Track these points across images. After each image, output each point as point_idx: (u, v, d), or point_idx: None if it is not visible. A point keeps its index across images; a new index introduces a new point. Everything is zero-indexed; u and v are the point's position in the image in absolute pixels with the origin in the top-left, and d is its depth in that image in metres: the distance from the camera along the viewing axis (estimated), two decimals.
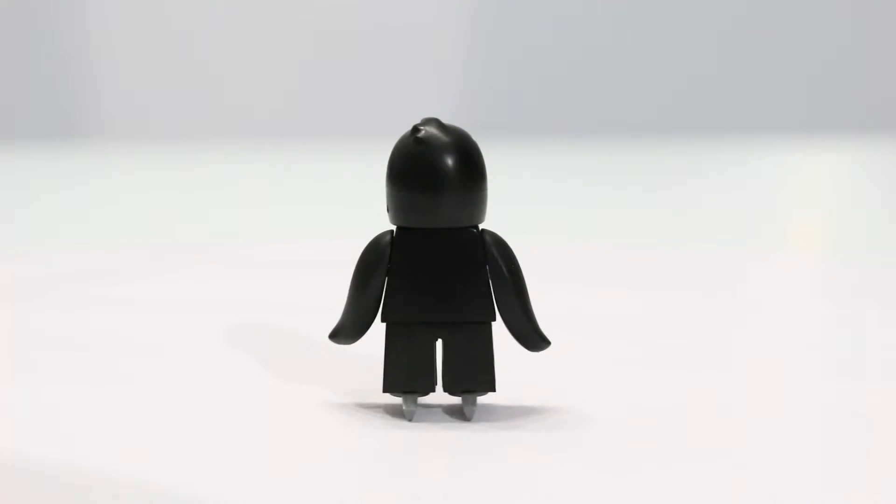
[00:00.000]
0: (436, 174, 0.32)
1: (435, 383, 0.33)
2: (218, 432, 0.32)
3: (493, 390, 0.32)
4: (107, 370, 0.38)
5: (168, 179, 1.07)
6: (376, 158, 0.39)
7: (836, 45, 1.30)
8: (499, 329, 0.33)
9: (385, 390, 0.33)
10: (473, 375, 0.32)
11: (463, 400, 0.33)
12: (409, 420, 0.33)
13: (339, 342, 0.33)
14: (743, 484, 0.28)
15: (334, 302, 0.37)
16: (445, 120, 0.33)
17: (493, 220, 0.34)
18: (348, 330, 0.33)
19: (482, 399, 0.33)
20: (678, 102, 1.30)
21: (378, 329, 0.33)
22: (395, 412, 0.33)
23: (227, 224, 0.79)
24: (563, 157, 1.19)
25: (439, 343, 0.33)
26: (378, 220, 0.35)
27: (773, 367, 0.39)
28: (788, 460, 0.30)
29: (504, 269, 0.32)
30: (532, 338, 0.33)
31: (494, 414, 0.33)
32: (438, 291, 0.32)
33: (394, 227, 0.33)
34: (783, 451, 0.30)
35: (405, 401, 0.33)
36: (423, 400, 0.33)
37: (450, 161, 0.32)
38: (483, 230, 0.33)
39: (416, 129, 0.32)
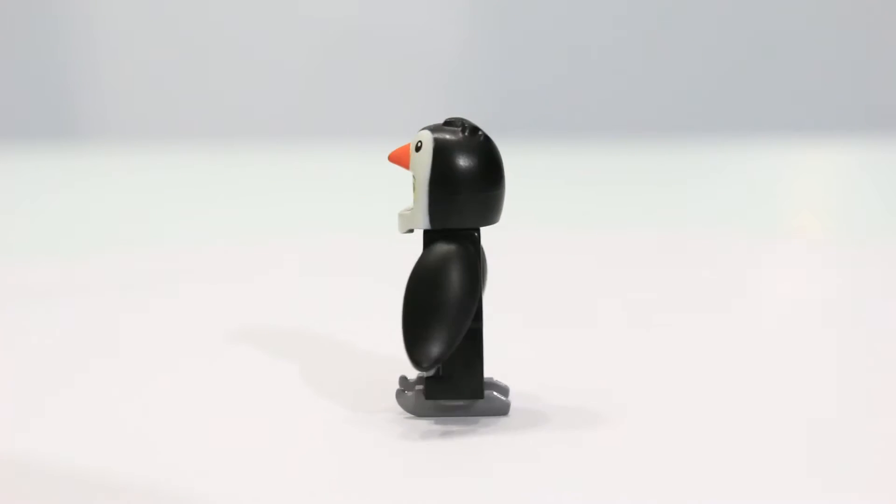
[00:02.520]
0: (502, 171, 0.32)
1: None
2: (231, 434, 0.32)
3: (481, 397, 0.32)
4: (107, 371, 0.38)
5: (168, 179, 1.07)
6: (376, 158, 0.39)
7: (835, 46, 1.30)
8: (499, 328, 0.33)
9: (481, 396, 0.32)
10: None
11: (498, 393, 0.33)
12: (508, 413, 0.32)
13: (429, 370, 0.31)
14: (746, 484, 0.28)
15: (333, 304, 0.37)
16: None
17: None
18: (450, 349, 0.30)
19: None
20: (678, 102, 1.30)
21: (382, 329, 0.33)
22: (402, 413, 0.33)
23: (228, 224, 0.78)
24: (564, 157, 1.19)
25: None
26: (377, 221, 0.35)
27: (775, 368, 0.39)
28: (791, 461, 0.30)
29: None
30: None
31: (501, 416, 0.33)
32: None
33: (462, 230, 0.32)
34: (785, 452, 0.30)
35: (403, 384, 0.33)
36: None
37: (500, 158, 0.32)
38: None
39: (475, 129, 0.32)
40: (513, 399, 0.34)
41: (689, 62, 1.31)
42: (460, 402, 0.32)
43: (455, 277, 0.31)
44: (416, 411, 0.33)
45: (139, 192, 0.97)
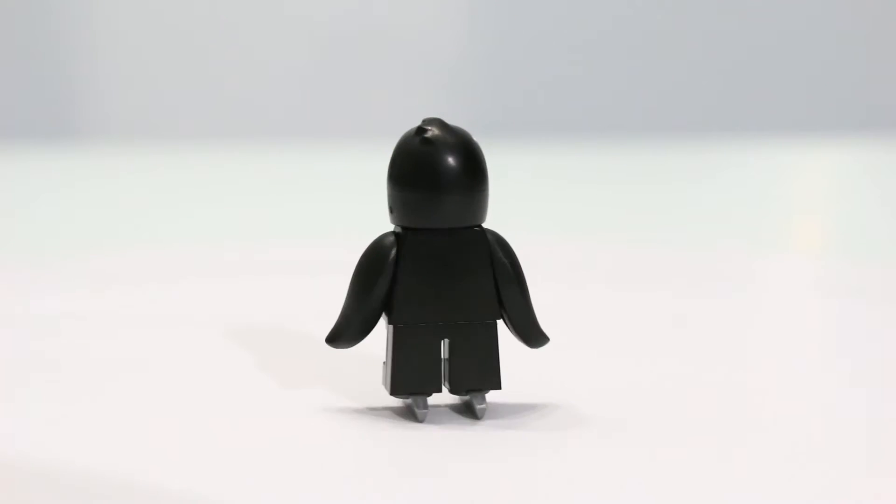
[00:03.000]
0: (443, 174, 0.32)
1: (441, 383, 0.33)
2: (226, 438, 0.32)
3: (499, 388, 0.33)
4: (108, 371, 0.38)
5: (168, 179, 1.07)
6: (376, 158, 0.39)
7: (835, 46, 1.30)
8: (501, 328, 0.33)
9: (393, 393, 0.33)
10: (479, 374, 0.33)
11: (473, 399, 0.33)
12: (421, 421, 0.33)
13: (338, 346, 0.33)
14: (748, 484, 0.28)
15: (333, 304, 0.37)
16: (445, 120, 0.33)
17: (492, 219, 0.34)
18: (350, 333, 0.33)
19: (489, 397, 0.34)
20: (678, 102, 1.30)
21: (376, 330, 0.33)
22: (402, 413, 0.33)
23: (228, 224, 0.78)
24: (563, 157, 1.19)
25: (444, 342, 0.33)
26: (377, 221, 0.35)
27: (776, 368, 0.39)
28: (793, 462, 0.30)
29: (509, 267, 0.33)
30: (535, 334, 0.33)
31: (501, 413, 0.33)
32: (446, 291, 0.32)
33: (396, 229, 0.33)
34: (787, 453, 0.30)
35: (415, 402, 0.33)
36: (430, 400, 0.33)
37: (456, 160, 0.32)
38: (484, 229, 0.33)
39: (421, 130, 0.32)
40: (508, 397, 0.34)
41: (690, 62, 1.31)
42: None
43: (357, 269, 0.33)
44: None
45: (139, 192, 0.97)
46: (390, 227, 0.33)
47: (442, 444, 0.30)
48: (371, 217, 0.41)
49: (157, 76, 1.33)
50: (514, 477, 0.28)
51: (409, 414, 0.32)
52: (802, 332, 0.45)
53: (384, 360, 0.33)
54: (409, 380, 0.32)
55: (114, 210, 0.86)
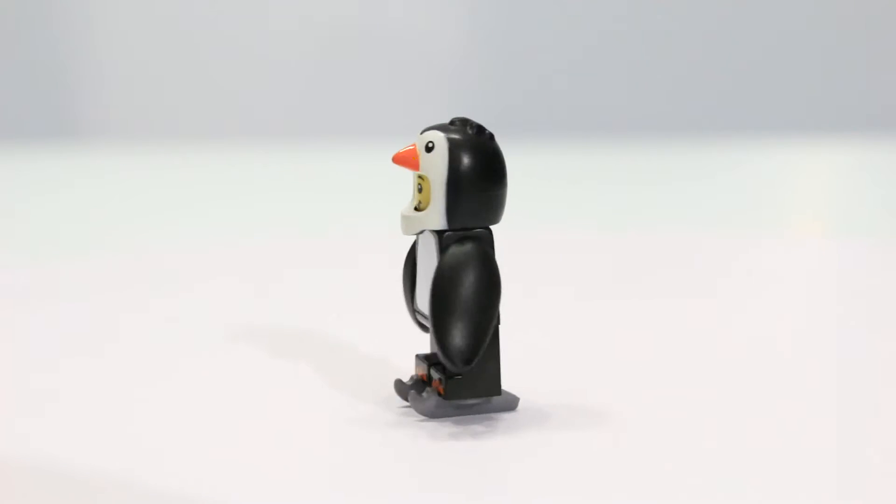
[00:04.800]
0: (506, 169, 0.32)
1: None
2: (233, 434, 0.32)
3: (500, 394, 0.33)
4: (108, 371, 0.38)
5: (168, 180, 1.07)
6: (376, 158, 0.39)
7: (836, 46, 1.30)
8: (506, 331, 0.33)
9: (499, 393, 0.32)
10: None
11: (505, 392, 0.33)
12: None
13: (466, 370, 0.32)
14: (751, 486, 0.28)
15: (332, 304, 0.37)
16: (446, 120, 0.33)
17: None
18: (481, 349, 0.31)
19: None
20: (678, 102, 1.30)
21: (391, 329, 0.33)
22: (412, 413, 0.33)
23: (228, 224, 0.79)
24: (563, 157, 1.19)
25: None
26: (376, 221, 0.35)
27: (775, 368, 0.39)
28: (790, 463, 0.30)
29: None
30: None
31: (494, 416, 0.33)
32: None
33: (458, 233, 0.32)
34: (784, 454, 0.30)
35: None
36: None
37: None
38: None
39: (481, 128, 0.32)
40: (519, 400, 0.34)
41: (690, 62, 1.31)
42: (477, 400, 0.32)
43: (480, 276, 0.31)
44: (431, 413, 0.32)
45: (139, 192, 0.97)
46: (391, 227, 0.33)
47: (447, 444, 0.30)
48: (371, 217, 0.41)
49: (157, 76, 1.33)
50: (519, 477, 0.28)
51: (506, 405, 0.32)
52: (803, 331, 0.45)
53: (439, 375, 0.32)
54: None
55: (114, 210, 0.86)
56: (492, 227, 0.32)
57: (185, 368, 0.39)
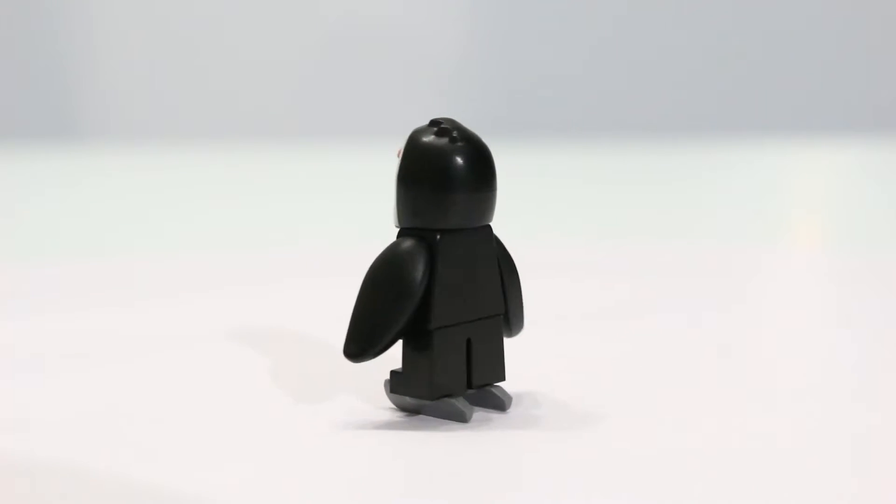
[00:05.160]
0: (487, 171, 0.31)
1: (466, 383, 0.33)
2: (231, 436, 0.32)
3: (504, 379, 0.33)
4: (108, 371, 0.38)
5: (168, 180, 1.07)
6: (376, 158, 0.39)
7: (835, 46, 1.30)
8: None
9: (433, 397, 0.32)
10: (492, 368, 0.33)
11: (497, 391, 0.33)
12: (468, 421, 0.32)
13: (358, 361, 0.31)
14: (746, 487, 0.28)
15: (332, 303, 0.37)
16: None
17: (494, 219, 0.34)
18: (383, 344, 0.31)
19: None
20: (678, 102, 1.30)
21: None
22: (405, 415, 0.33)
23: (228, 224, 0.79)
24: (563, 157, 1.19)
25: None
26: (376, 221, 0.35)
27: (774, 370, 0.39)
28: (790, 467, 0.30)
29: (511, 261, 0.33)
30: (521, 323, 0.34)
31: (493, 414, 0.33)
32: (470, 290, 0.32)
33: (410, 232, 0.32)
34: (784, 455, 0.30)
35: (460, 402, 0.32)
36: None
37: (491, 157, 0.32)
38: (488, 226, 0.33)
39: (445, 130, 0.32)
40: (512, 399, 0.34)
41: (691, 62, 1.31)
42: (430, 403, 0.32)
43: (376, 275, 0.31)
44: (400, 406, 0.33)
45: (139, 192, 0.97)
46: (389, 226, 0.33)
47: (443, 445, 0.30)
48: (370, 217, 0.40)
49: (157, 76, 1.33)
50: (517, 477, 0.28)
51: (451, 415, 0.32)
52: (803, 331, 0.45)
53: (395, 368, 0.32)
54: (445, 382, 0.32)
55: (113, 209, 0.86)
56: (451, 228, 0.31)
57: (181, 369, 0.39)
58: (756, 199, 0.90)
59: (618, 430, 0.32)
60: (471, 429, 0.32)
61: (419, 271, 0.31)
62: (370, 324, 0.31)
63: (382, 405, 0.34)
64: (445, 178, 0.31)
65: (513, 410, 0.33)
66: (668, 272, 0.58)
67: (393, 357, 0.35)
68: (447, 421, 0.32)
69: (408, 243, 0.31)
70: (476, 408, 0.33)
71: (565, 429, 0.32)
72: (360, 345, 0.31)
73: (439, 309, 0.31)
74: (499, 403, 0.33)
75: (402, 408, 0.33)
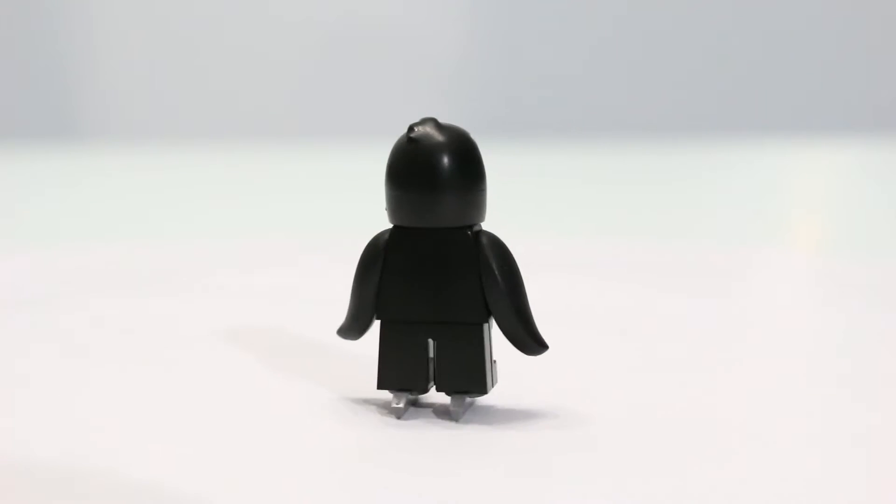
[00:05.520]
0: (429, 174, 0.31)
1: (429, 383, 0.33)
2: (211, 431, 0.32)
3: (485, 392, 0.32)
4: (108, 370, 0.38)
5: (168, 179, 1.07)
6: (376, 157, 0.39)
7: (835, 46, 1.30)
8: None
9: (379, 387, 0.33)
10: (464, 376, 0.32)
11: (451, 400, 0.33)
12: (398, 418, 0.33)
13: (344, 337, 0.34)
14: (742, 491, 0.28)
15: (332, 303, 0.37)
16: (445, 120, 0.33)
17: (492, 219, 0.34)
18: (351, 327, 0.33)
19: (479, 400, 0.34)
20: (678, 102, 1.30)
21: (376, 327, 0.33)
22: (388, 411, 0.33)
23: (228, 224, 0.79)
24: (564, 157, 1.19)
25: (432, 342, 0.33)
26: (375, 221, 0.35)
27: (774, 370, 0.39)
28: (788, 467, 0.30)
29: (496, 270, 0.32)
30: (526, 342, 0.32)
31: (485, 415, 0.33)
32: (431, 291, 0.32)
33: (391, 227, 0.33)
34: (783, 459, 0.30)
35: (395, 398, 0.33)
36: (426, 398, 0.33)
37: (444, 160, 0.31)
38: (480, 231, 0.32)
39: (410, 129, 0.32)
40: (496, 400, 0.34)
41: (691, 62, 1.31)
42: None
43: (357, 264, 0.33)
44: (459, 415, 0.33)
45: (139, 192, 0.97)
46: (388, 227, 0.33)
47: (416, 444, 0.30)
48: (369, 216, 0.40)
49: (157, 76, 1.33)
50: (489, 481, 0.28)
51: (390, 411, 0.32)
52: (803, 331, 0.45)
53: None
54: (395, 375, 0.33)
55: (113, 209, 0.86)
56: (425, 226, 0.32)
57: (184, 367, 0.39)
58: (756, 199, 0.90)
59: (617, 429, 0.32)
60: (471, 428, 0.32)
61: (371, 261, 0.33)
62: (349, 306, 0.34)
63: (384, 403, 0.34)
64: (387, 174, 0.32)
65: (513, 410, 0.33)
66: (668, 272, 0.58)
67: None
68: (446, 421, 0.32)
69: (375, 236, 0.33)
70: (420, 409, 0.33)
71: (567, 429, 0.32)
72: (342, 325, 0.34)
73: (384, 302, 0.33)
74: (452, 414, 0.33)
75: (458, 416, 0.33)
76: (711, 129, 1.26)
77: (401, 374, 0.33)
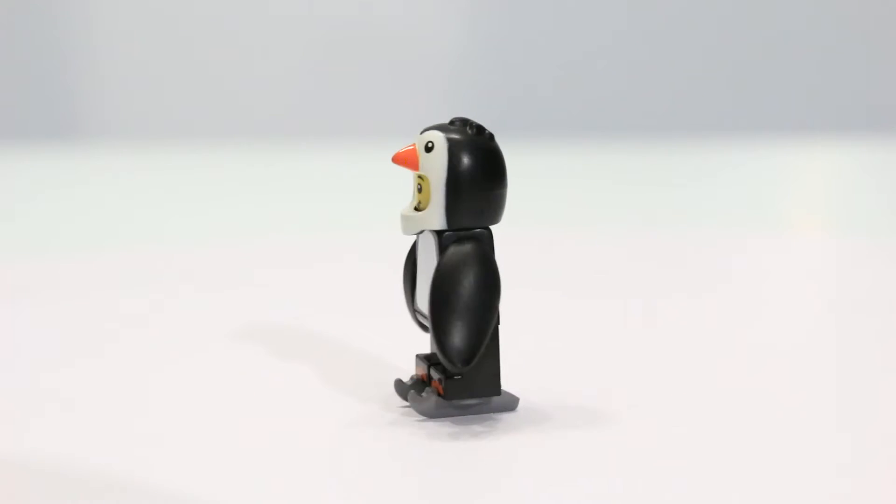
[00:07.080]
0: (506, 169, 0.32)
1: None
2: (236, 435, 0.32)
3: (460, 375, 0.32)
4: (109, 370, 0.38)
5: (168, 179, 1.07)
6: (375, 158, 0.39)
7: (836, 46, 1.30)
8: (508, 331, 0.33)
9: (498, 393, 0.33)
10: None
11: (426, 390, 0.33)
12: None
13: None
14: (747, 488, 0.28)
15: (331, 303, 0.37)
16: (446, 120, 0.33)
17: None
18: (481, 346, 0.31)
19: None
20: (678, 102, 1.30)
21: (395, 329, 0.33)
22: (411, 413, 0.33)
23: (228, 224, 0.79)
24: (564, 157, 1.19)
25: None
26: (376, 221, 0.35)
27: (773, 370, 0.39)
28: (791, 467, 0.30)
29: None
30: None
31: (487, 415, 0.33)
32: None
33: (459, 233, 0.32)
34: (783, 457, 0.30)
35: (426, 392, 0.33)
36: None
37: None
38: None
39: (481, 128, 0.32)
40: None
41: (691, 62, 1.31)
42: (476, 401, 0.32)
43: (478, 276, 0.31)
44: (431, 413, 0.32)
45: (139, 192, 0.97)
46: (391, 228, 0.33)
47: (449, 444, 0.30)
48: (371, 216, 0.40)
49: (157, 76, 1.33)
50: (495, 481, 0.28)
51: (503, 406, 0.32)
52: (803, 331, 0.45)
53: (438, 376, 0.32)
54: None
55: (113, 209, 0.86)
56: (492, 227, 0.32)
57: (183, 368, 0.39)
58: (756, 199, 0.90)
59: (616, 427, 0.32)
60: (471, 429, 0.32)
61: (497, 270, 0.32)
62: (477, 329, 0.32)
63: (384, 404, 0.34)
64: (491, 174, 0.32)
65: (513, 410, 0.33)
66: (668, 273, 0.58)
67: (396, 367, 0.35)
68: (448, 421, 0.32)
69: (487, 251, 0.32)
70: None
71: (564, 429, 0.32)
72: (471, 351, 0.31)
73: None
74: (510, 401, 0.33)
75: (430, 414, 0.33)
76: (711, 129, 1.26)
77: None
